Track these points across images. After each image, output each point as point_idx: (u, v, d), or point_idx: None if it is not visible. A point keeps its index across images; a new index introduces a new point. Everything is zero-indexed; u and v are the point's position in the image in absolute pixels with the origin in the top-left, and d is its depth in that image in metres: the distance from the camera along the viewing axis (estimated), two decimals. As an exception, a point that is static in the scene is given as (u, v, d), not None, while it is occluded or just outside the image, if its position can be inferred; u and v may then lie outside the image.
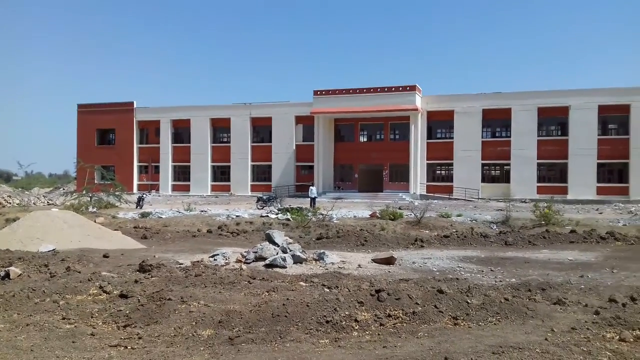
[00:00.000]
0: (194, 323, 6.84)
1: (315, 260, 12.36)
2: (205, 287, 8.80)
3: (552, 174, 43.49)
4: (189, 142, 52.18)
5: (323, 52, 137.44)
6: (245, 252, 12.60)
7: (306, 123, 48.16)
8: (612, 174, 42.07)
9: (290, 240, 13.43)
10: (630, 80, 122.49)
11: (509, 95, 44.01)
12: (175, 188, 52.61)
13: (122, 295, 8.12)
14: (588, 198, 39.92)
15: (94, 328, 6.77)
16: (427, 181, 45.70)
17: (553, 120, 43.69)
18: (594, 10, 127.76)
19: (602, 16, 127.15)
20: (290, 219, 23.23)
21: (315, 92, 45.97)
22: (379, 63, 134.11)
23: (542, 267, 12.19)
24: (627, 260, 13.12)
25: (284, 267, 11.25)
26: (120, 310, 7.42)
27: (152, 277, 9.67)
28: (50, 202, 41.02)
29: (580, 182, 41.41)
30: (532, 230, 20.07)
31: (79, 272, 10.10)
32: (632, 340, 6.07)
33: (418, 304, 7.35)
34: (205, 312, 7.21)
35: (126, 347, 5.96)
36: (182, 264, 11.59)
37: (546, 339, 6.01)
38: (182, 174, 52.99)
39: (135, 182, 53.43)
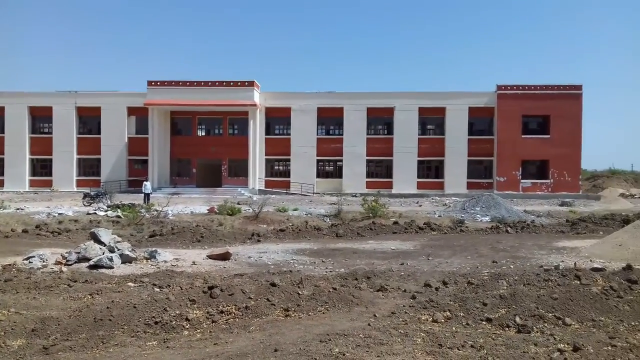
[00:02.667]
0: (2, 333, 6.15)
1: (147, 258, 11.82)
2: (17, 292, 7.93)
3: (380, 170, 46.84)
4: (3, 132, 46.39)
5: (159, 42, 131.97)
6: (66, 252, 11.59)
7: (139, 115, 45.69)
8: (430, 170, 46.63)
9: (119, 239, 12.66)
10: (446, 85, 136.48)
11: (341, 95, 46.39)
12: (-16, 183, 46.53)
13: None
14: (410, 192, 43.77)
15: None
16: (266, 176, 46.29)
17: (380, 120, 47.06)
18: (417, 16, 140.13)
19: (424, 23, 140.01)
20: (121, 216, 21.94)
21: (150, 83, 43.86)
22: (218, 58, 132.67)
23: (368, 257, 13.04)
24: (440, 248, 14.60)
25: (110, 267, 10.57)
26: None
27: (-51, 285, 8.44)
28: None
29: (403, 177, 45.28)
30: (361, 222, 21.37)
31: None
32: (443, 320, 6.75)
33: (251, 298, 7.39)
34: (16, 321, 6.50)
35: None
36: (-11, 268, 10.28)
37: (369, 324, 6.42)
38: (-6, 168, 47.03)
39: None
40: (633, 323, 6.58)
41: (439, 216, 24.47)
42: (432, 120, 46.81)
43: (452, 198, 39.07)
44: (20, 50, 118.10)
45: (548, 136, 44.91)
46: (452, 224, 20.66)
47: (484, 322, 6.67)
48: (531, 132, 45.83)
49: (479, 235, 18.18)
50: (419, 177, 45.79)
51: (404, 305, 7.47)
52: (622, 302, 7.24)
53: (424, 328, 6.35)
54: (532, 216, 24.32)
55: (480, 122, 46.49)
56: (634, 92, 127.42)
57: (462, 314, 7.00)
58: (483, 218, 23.62)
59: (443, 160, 45.80)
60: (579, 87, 44.94)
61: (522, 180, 45.18)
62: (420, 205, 32.85)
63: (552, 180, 44.96)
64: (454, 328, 6.41)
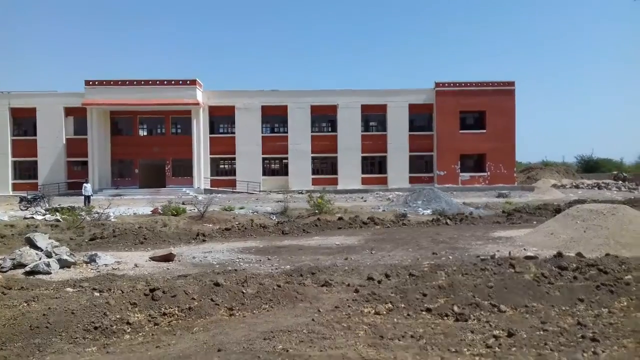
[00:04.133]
0: None
1: (87, 263, 11.47)
2: (-54, 303, 7.52)
3: (325, 166, 47.24)
4: None
5: (97, 41, 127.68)
6: (0, 259, 11.08)
7: (78, 115, 44.13)
8: (374, 166, 47.43)
9: (57, 244, 12.21)
10: (387, 83, 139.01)
11: (285, 93, 46.41)
12: None
13: None
14: (355, 188, 44.39)
15: None
16: (211, 175, 45.77)
17: (324, 118, 47.44)
18: (358, 14, 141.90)
19: (364, 20, 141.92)
20: (60, 219, 21.17)
21: (87, 82, 42.44)
22: (160, 57, 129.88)
23: (313, 253, 13.13)
24: (383, 242, 14.86)
25: (48, 273, 10.19)
26: None
27: None
28: None
29: (348, 173, 45.87)
30: (307, 219, 21.46)
31: None
32: (385, 312, 6.90)
33: (194, 299, 7.33)
34: (-55, 333, 6.17)
35: None
36: None
37: (313, 320, 6.49)
38: None
39: None
40: (563, 308, 6.91)
41: (383, 210, 24.90)
42: (374, 117, 47.61)
43: (395, 193, 39.85)
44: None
45: (484, 131, 46.59)
46: (395, 218, 21.05)
47: (424, 313, 6.86)
48: (468, 127, 47.44)
49: (420, 228, 18.60)
50: (363, 173, 46.52)
51: (347, 299, 7.58)
52: (553, 287, 7.61)
53: (366, 320, 6.48)
54: (471, 208, 25.13)
55: (420, 118, 47.69)
56: (564, 87, 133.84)
57: (403, 305, 7.16)
58: (424, 211, 24.21)
59: (386, 156, 46.68)
60: (512, 84, 46.83)
61: (461, 174, 46.71)
62: (365, 201, 33.31)
63: (489, 173, 46.66)
64: (395, 319, 6.56)
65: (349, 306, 7.23)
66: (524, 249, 12.75)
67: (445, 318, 6.62)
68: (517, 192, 39.92)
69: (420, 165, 47.47)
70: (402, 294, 7.64)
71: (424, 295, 7.47)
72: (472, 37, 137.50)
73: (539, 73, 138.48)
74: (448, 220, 19.89)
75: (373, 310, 6.97)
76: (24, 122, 45.45)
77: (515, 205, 26.09)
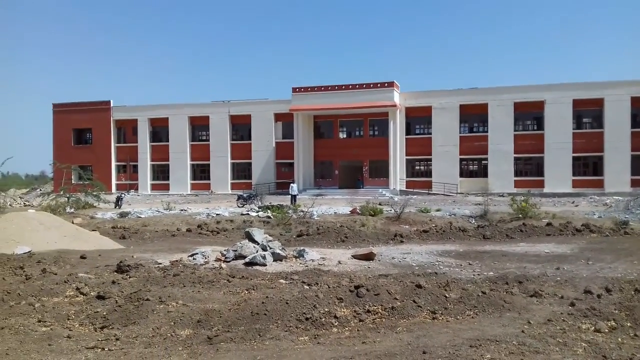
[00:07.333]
0: (172, 323, 6.77)
1: (296, 257, 12.35)
2: (184, 286, 8.73)
3: (529, 167, 44.15)
4: (168, 141, 51.77)
5: (302, 48, 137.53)
6: (224, 250, 12.52)
7: (285, 120, 48.14)
8: (587, 167, 42.86)
9: (270, 238, 13.40)
10: (604, 75, 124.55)
11: (485, 91, 44.49)
12: (154, 187, 52.18)
13: (99, 297, 8.00)
14: (564, 191, 40.63)
15: (70, 330, 6.64)
16: (407, 177, 46.03)
17: (529, 115, 44.33)
18: (568, 5, 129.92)
19: (574, 12, 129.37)
20: (271, 216, 23.16)
21: (294, 90, 45.93)
22: (357, 60, 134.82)
23: (519, 260, 12.34)
24: (601, 252, 13.35)
25: (263, 265, 11.22)
26: (97, 312, 7.31)
27: (130, 277, 9.56)
28: (27, 203, 40.31)
29: (556, 175, 42.14)
30: (510, 223, 20.29)
31: (55, 274, 9.92)
32: (607, 331, 6.19)
33: (397, 299, 7.40)
34: (183, 312, 7.15)
35: (103, 349, 5.88)
36: (160, 263, 11.45)
37: (523, 331, 6.10)
38: (161, 173, 52.56)
39: (114, 181, 52.89)
40: None
41: (599, 217, 22.39)
42: (588, 113, 43.08)
43: (614, 197, 35.53)
44: (179, 66, 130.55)
45: None
46: (615, 226, 18.75)
47: (656, 334, 6.02)
48: None
49: (648, 238, 16.33)
50: (574, 175, 42.34)
51: (561, 313, 6.98)
52: None
53: (585, 338, 5.89)
54: None
55: (645, 112, 41.82)
56: None
57: (629, 324, 6.41)
58: (652, 219, 21.18)
59: (602, 155, 41.85)
60: None
61: (701, 177, 39.71)
62: (576, 206, 30.37)
63: None
64: (619, 339, 5.88)
65: (563, 320, 6.64)
66: None
67: (685, 343, 5.70)
68: None
69: (645, 167, 41.65)
70: (627, 311, 6.82)
71: (656, 314, 6.53)
72: None
73: None
74: (683, 230, 17.11)
75: (592, 327, 6.32)
76: (240, 127, 51.13)
77: None
